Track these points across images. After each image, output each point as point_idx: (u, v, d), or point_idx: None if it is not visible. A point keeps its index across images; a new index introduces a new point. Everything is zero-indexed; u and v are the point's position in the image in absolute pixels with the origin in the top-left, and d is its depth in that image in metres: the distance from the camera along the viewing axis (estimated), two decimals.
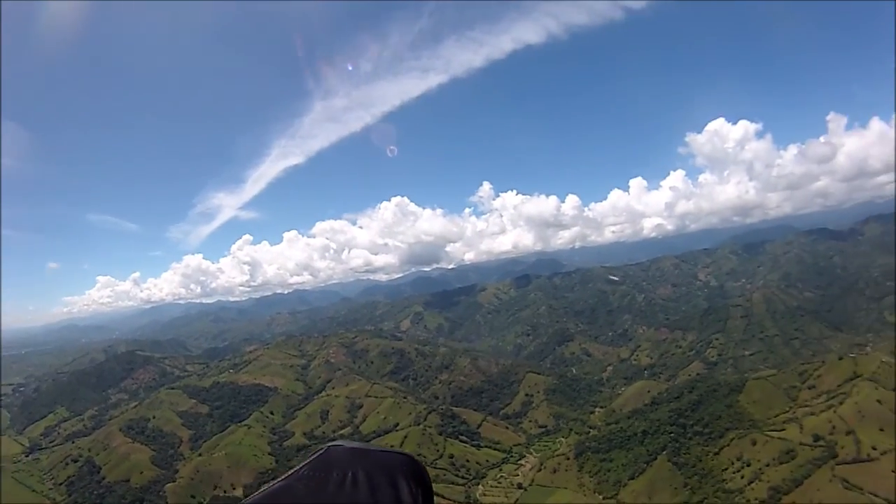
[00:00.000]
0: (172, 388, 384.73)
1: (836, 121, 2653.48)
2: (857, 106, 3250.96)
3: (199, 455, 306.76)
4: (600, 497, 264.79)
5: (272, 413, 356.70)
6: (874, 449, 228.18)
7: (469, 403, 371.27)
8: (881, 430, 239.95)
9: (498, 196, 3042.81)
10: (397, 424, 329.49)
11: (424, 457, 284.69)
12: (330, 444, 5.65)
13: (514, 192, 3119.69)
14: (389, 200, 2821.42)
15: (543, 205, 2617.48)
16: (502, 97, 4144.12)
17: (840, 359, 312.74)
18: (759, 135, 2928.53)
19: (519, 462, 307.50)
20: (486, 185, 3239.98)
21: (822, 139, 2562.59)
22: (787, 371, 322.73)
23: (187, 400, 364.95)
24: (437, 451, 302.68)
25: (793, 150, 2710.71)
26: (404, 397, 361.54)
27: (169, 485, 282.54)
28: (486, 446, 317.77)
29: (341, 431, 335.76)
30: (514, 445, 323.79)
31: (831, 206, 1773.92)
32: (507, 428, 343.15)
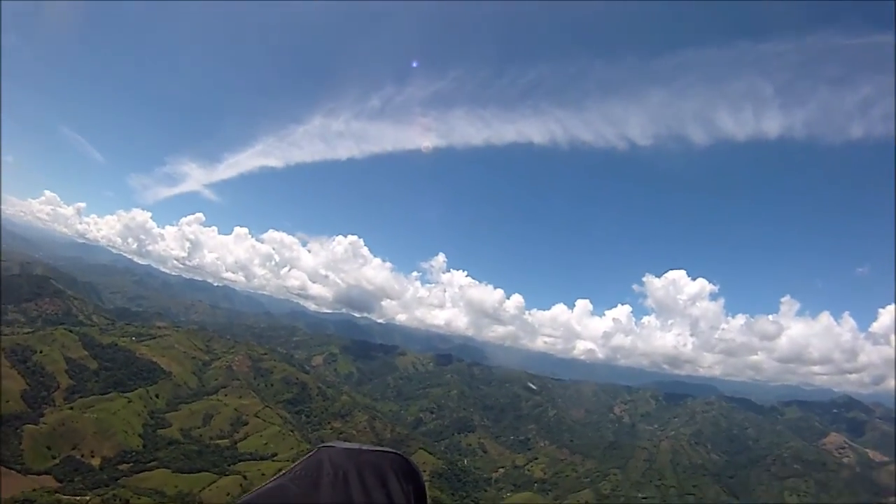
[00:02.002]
0: (70, 331, 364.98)
1: (789, 304, 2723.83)
2: (814, 297, 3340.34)
3: (71, 408, 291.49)
4: None
5: (157, 396, 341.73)
6: None
7: None
8: None
9: (449, 271, 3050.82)
10: (275, 454, 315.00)
11: None
12: (322, 444, 5.71)
13: (465, 272, 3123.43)
14: (345, 236, 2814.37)
15: (488, 294, 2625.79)
16: (487, 180, 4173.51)
17: None
18: (713, 296, 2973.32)
19: None
20: (441, 257, 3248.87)
21: (771, 317, 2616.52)
22: None
23: (80, 349, 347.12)
24: None
25: (741, 319, 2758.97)
26: (291, 430, 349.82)
27: (29, 426, 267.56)
28: None
29: (219, 441, 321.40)
30: None
31: (760, 380, 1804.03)
32: None
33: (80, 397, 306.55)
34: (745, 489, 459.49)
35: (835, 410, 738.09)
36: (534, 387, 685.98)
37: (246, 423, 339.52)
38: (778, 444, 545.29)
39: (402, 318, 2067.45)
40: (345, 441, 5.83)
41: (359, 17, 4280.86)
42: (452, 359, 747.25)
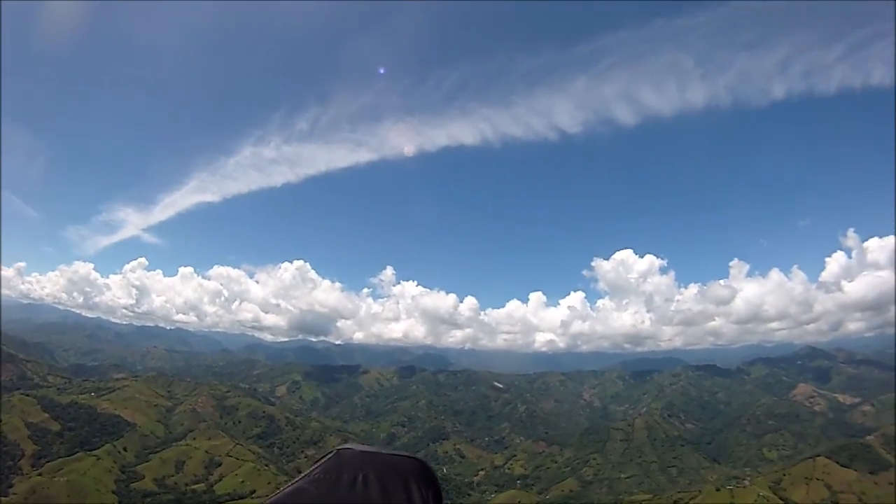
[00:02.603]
0: (27, 395, 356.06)
1: (738, 267, 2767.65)
2: (761, 256, 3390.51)
3: (40, 475, 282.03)
4: None
5: (125, 449, 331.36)
6: None
7: None
8: None
9: (399, 283, 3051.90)
10: (254, 491, 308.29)
11: None
12: (340, 446, 5.56)
13: (415, 282, 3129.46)
14: (291, 262, 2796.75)
15: (441, 301, 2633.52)
16: (424, 188, 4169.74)
17: (717, 490, 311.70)
18: (664, 270, 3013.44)
19: None
20: (389, 270, 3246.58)
21: (722, 282, 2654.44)
22: (663, 497, 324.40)
23: (41, 412, 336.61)
24: None
25: (693, 288, 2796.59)
26: (266, 465, 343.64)
27: (0, 499, 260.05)
28: None
29: (195, 486, 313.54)
30: None
31: (722, 345, 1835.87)
32: None
33: (48, 461, 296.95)
34: (725, 452, 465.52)
35: (799, 362, 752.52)
36: (500, 385, 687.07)
37: (219, 465, 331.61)
38: (749, 404, 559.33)
39: (359, 336, 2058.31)
40: (361, 443, 5.70)
41: (267, 39, 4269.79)
42: (416, 370, 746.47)
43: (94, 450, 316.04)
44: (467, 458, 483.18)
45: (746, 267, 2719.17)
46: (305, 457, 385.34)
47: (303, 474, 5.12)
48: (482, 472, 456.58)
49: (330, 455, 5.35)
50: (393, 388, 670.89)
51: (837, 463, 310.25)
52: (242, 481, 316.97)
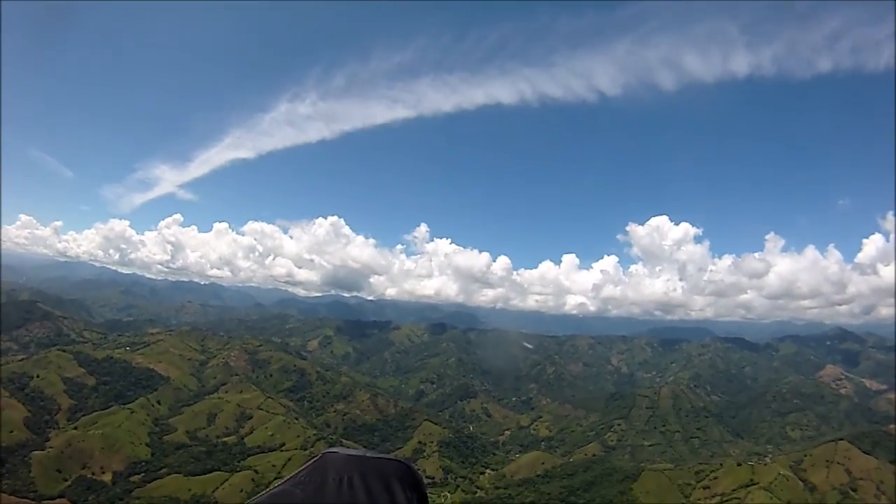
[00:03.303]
0: (64, 351, 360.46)
1: (774, 241, 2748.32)
2: (797, 232, 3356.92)
3: (75, 428, 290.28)
4: None
5: (159, 402, 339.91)
6: None
7: (360, 439, 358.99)
8: None
9: (432, 240, 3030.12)
10: (283, 444, 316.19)
11: None
12: (326, 450, 5.76)
13: (449, 240, 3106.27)
14: (325, 218, 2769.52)
15: (474, 259, 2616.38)
16: (460, 146, 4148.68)
17: (738, 464, 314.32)
18: (698, 239, 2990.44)
19: None
20: (423, 227, 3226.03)
21: (757, 255, 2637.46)
22: (684, 468, 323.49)
23: (76, 367, 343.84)
24: None
25: (727, 259, 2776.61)
26: (296, 418, 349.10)
27: (36, 452, 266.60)
28: None
29: (225, 439, 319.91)
30: None
31: (752, 319, 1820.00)
32: None
33: (83, 415, 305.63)
34: (748, 427, 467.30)
35: (828, 343, 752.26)
36: (530, 346, 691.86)
37: (250, 418, 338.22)
38: (776, 381, 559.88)
39: (391, 292, 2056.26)
40: (348, 448, 5.86)
41: None
42: (446, 327, 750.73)
43: (129, 403, 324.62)
44: (493, 418, 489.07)
45: (782, 242, 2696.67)
46: (335, 411, 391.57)
47: (288, 477, 5.13)
48: (507, 432, 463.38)
49: (315, 458, 5.47)
50: (423, 345, 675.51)
51: (859, 449, 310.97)
52: (272, 434, 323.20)
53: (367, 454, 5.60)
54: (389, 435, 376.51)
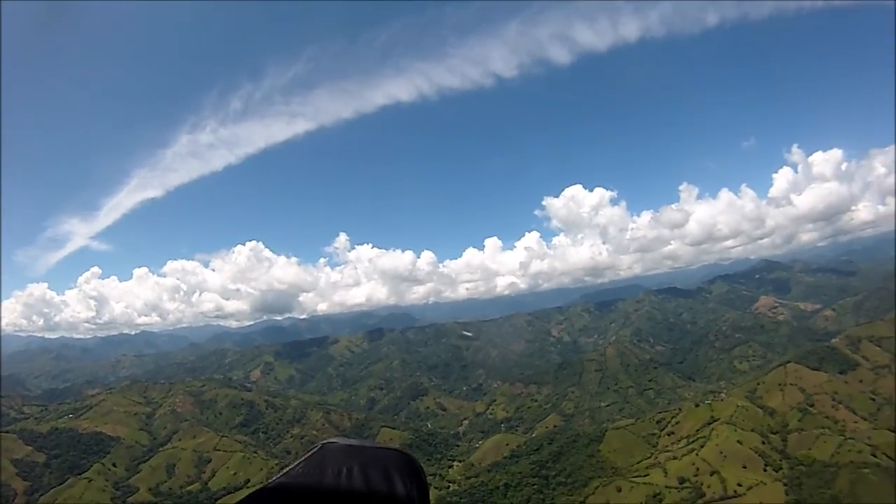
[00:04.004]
0: (7, 433, 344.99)
1: (688, 190, 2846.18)
2: (709, 178, 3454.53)
3: None
4: None
5: (115, 465, 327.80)
6: (739, 486, 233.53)
7: None
8: (744, 467, 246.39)
9: (354, 248, 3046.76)
10: (248, 480, 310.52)
11: None
12: (325, 441, 5.70)
13: (371, 245, 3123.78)
14: (244, 244, 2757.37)
15: (399, 259, 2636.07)
16: (366, 150, 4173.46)
17: (696, 406, 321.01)
18: (615, 201, 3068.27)
19: None
20: (343, 237, 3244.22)
21: (674, 206, 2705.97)
22: (645, 420, 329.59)
23: (23, 446, 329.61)
24: None
25: (646, 216, 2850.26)
26: (254, 452, 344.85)
27: None
28: None
29: (189, 488, 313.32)
30: None
31: (680, 268, 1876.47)
32: None
33: (41, 495, 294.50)
34: (697, 369, 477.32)
35: (757, 276, 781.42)
36: (469, 334, 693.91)
37: (209, 461, 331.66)
38: (714, 321, 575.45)
39: (323, 307, 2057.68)
40: (346, 438, 5.85)
41: (193, 24, 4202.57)
42: (384, 332, 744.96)
43: (84, 472, 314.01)
44: (449, 410, 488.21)
45: (696, 190, 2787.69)
46: (291, 436, 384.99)
47: (287, 468, 5.13)
48: (466, 422, 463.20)
49: (314, 449, 5.44)
50: (364, 353, 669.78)
51: (808, 367, 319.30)
52: (235, 473, 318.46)
53: (366, 444, 5.59)
54: None
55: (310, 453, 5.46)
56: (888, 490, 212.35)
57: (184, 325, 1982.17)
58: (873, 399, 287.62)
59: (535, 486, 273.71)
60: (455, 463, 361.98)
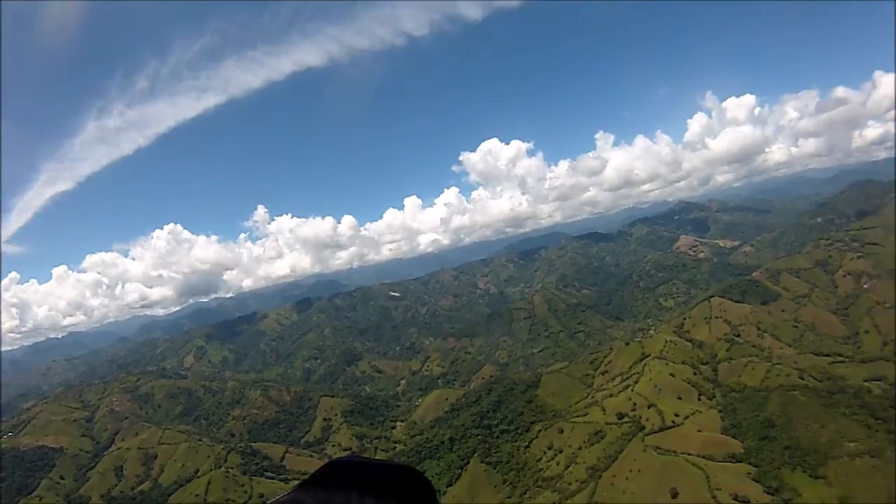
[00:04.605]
0: None
1: (604, 138, 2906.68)
2: (624, 125, 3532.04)
3: None
4: None
5: (62, 478, 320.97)
6: (677, 416, 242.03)
7: (268, 437, 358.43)
8: (679, 398, 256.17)
9: (273, 220, 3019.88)
10: (197, 470, 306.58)
11: (233, 500, 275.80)
12: (333, 459, 5.73)
13: (290, 215, 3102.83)
14: (162, 228, 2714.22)
15: (319, 226, 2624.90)
16: (279, 119, 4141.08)
17: (627, 344, 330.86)
18: (531, 152, 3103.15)
19: None
20: (262, 209, 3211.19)
21: (591, 154, 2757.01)
22: (579, 362, 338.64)
23: None
24: (245, 492, 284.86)
25: (564, 164, 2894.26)
26: (199, 440, 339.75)
27: None
28: (294, 479, 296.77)
29: (141, 487, 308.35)
30: None
31: (599, 213, 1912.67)
32: (311, 456, 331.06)
33: None
34: (624, 309, 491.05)
35: (676, 217, 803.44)
36: (397, 294, 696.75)
37: (156, 457, 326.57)
38: (637, 262, 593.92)
39: (248, 283, 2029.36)
40: (356, 455, 6.01)
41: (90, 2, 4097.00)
42: (311, 301, 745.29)
43: (34, 491, 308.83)
44: (385, 373, 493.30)
45: (612, 137, 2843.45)
46: (233, 418, 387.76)
47: (296, 485, 5.05)
48: (403, 382, 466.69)
49: (323, 467, 5.58)
50: (295, 325, 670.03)
51: (731, 300, 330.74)
52: (183, 465, 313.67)
53: (375, 462, 5.57)
54: (294, 422, 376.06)
55: (319, 471, 5.50)
56: (817, 408, 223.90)
57: (110, 321, 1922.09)
58: (796, 326, 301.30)
59: (480, 437, 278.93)
60: (398, 423, 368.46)
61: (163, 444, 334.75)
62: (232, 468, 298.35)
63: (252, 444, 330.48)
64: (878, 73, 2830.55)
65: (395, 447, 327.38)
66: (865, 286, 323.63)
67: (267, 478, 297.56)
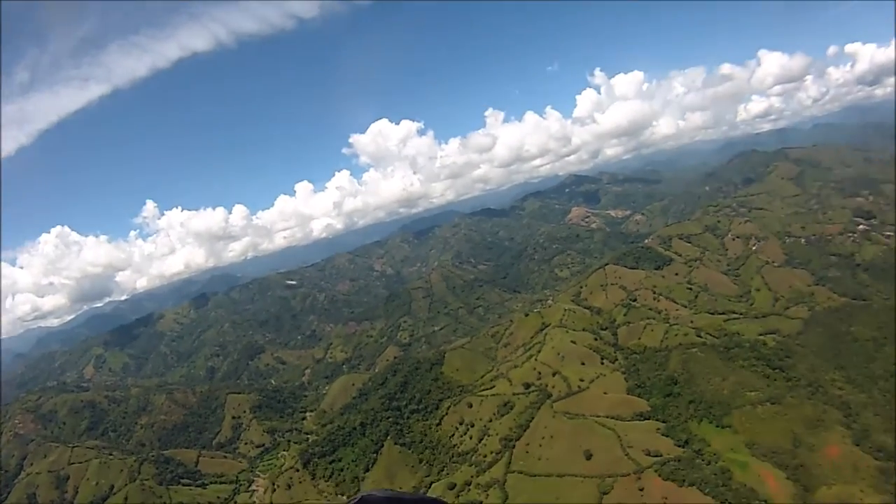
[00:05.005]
0: None
1: (494, 115, 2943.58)
2: (514, 102, 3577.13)
3: None
4: (345, 498, 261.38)
5: None
6: (582, 381, 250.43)
7: (179, 442, 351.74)
8: (582, 363, 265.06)
9: (163, 214, 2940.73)
10: (112, 486, 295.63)
11: None
12: (364, 493, 5.81)
13: (180, 208, 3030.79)
14: (49, 232, 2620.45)
15: (211, 218, 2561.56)
16: (165, 108, 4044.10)
17: (526, 315, 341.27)
18: (422, 132, 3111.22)
19: (251, 489, 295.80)
20: (151, 204, 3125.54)
21: (481, 132, 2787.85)
22: (480, 336, 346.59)
23: None
24: (164, 503, 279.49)
25: (454, 143, 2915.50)
26: (109, 454, 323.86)
27: None
28: (211, 483, 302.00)
29: None
30: (240, 473, 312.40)
31: (491, 189, 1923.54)
32: (225, 457, 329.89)
33: None
34: (521, 282, 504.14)
35: (567, 190, 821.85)
36: (294, 282, 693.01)
37: (68, 478, 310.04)
38: (531, 235, 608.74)
39: (142, 283, 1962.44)
40: (385, 490, 6.06)
41: None
42: (208, 296, 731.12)
43: None
44: (289, 363, 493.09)
45: (502, 114, 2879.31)
46: (141, 427, 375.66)
47: None
48: (308, 371, 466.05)
49: (353, 501, 5.79)
50: (193, 323, 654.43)
51: (625, 267, 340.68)
52: (97, 483, 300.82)
53: (405, 496, 5.84)
54: (203, 424, 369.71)
55: None
56: (717, 363, 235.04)
57: (3, 337, 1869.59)
58: (690, 288, 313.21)
59: (391, 419, 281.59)
60: (308, 413, 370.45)
61: (73, 463, 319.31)
62: (147, 479, 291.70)
63: (164, 451, 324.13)
64: (762, 52, 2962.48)
65: (307, 438, 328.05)
66: (754, 247, 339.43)
67: (184, 485, 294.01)
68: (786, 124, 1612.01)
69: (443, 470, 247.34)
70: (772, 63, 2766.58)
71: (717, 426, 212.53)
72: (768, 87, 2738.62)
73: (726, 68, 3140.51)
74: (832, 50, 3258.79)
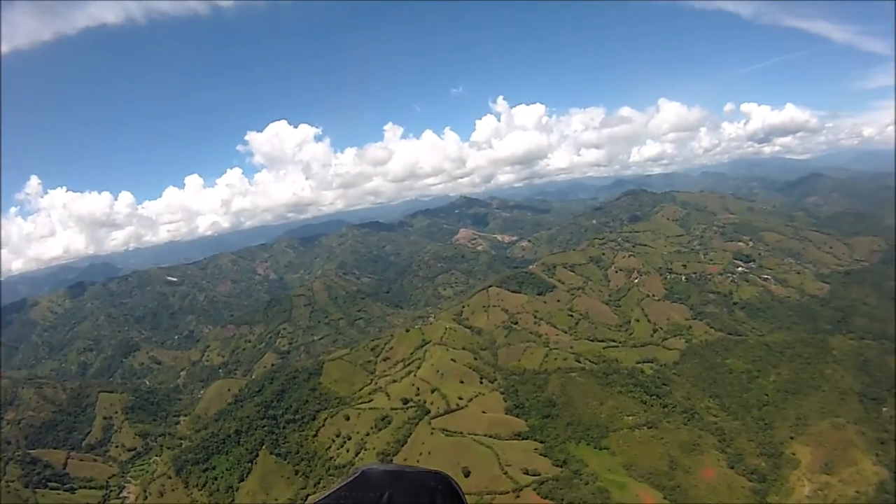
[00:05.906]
0: None
1: (392, 130, 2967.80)
2: (414, 119, 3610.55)
3: None
4: None
5: None
6: (461, 399, 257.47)
7: (46, 442, 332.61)
8: (461, 382, 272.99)
9: (47, 193, 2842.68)
10: None
11: None
12: (364, 466, 5.84)
13: (65, 188, 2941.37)
14: None
15: (95, 203, 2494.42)
16: (63, 77, 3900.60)
17: (407, 331, 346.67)
18: (319, 138, 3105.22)
19: (121, 495, 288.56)
20: (35, 180, 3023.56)
21: (378, 144, 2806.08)
22: (360, 348, 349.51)
23: None
24: None
25: (350, 152, 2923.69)
26: None
27: None
28: (80, 487, 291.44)
29: None
30: (110, 478, 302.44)
31: (382, 203, 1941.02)
32: (95, 460, 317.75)
33: None
34: (404, 297, 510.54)
35: (457, 211, 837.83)
36: (174, 279, 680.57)
37: None
38: (417, 252, 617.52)
39: (18, 265, 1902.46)
40: (385, 463, 6.41)
41: None
42: (85, 285, 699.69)
43: None
44: (164, 363, 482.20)
45: (401, 130, 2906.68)
46: (7, 422, 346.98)
47: (326, 494, 5.20)
48: (183, 373, 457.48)
49: (353, 475, 5.94)
50: (68, 313, 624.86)
51: (508, 290, 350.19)
52: None
53: (405, 468, 5.97)
54: (73, 423, 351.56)
55: (349, 478, 5.87)
56: (595, 388, 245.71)
57: None
58: (571, 315, 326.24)
59: (266, 428, 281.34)
60: (182, 417, 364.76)
61: None
62: (12, 481, 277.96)
63: (30, 451, 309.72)
64: (662, 100, 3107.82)
65: (181, 443, 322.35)
66: (636, 280, 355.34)
67: (51, 489, 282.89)
68: (676, 169, 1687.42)
69: (319, 482, 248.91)
70: (670, 112, 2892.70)
71: (595, 448, 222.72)
72: (664, 133, 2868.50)
73: (626, 111, 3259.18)
74: (729, 107, 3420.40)
